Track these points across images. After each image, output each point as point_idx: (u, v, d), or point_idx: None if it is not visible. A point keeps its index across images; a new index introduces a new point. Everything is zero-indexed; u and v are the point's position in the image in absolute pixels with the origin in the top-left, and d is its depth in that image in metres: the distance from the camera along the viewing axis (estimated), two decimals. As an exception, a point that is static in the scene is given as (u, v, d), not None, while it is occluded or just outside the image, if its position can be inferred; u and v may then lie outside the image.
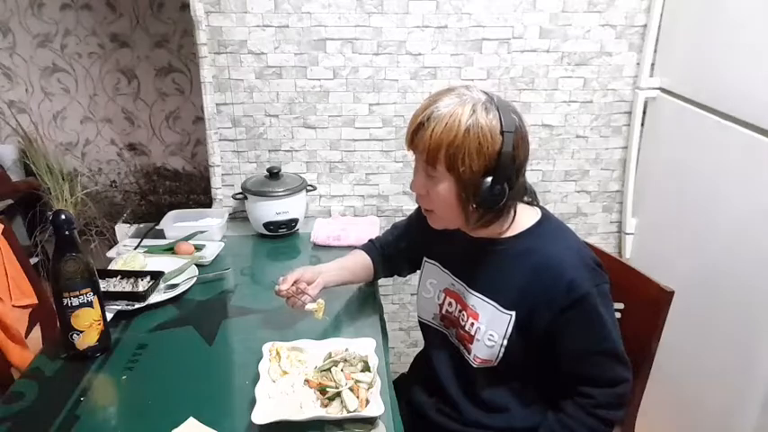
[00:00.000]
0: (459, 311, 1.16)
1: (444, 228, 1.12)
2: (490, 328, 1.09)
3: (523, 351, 1.08)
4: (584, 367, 1.05)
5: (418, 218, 1.33)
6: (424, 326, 1.28)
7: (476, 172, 0.99)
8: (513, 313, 1.07)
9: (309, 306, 1.21)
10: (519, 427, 1.13)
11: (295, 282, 1.21)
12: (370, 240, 1.44)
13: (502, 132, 0.98)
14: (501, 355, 1.09)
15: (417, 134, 1.01)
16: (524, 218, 1.10)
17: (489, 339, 1.09)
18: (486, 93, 1.02)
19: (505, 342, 1.08)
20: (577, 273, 1.02)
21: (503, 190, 1.00)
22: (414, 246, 1.31)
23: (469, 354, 1.13)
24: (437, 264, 1.23)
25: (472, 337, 1.12)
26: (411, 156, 1.07)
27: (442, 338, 1.22)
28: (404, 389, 1.30)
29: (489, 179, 0.99)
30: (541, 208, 1.15)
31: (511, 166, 0.99)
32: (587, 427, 1.05)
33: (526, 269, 1.06)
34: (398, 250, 1.37)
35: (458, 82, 1.83)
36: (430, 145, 0.99)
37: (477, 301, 1.12)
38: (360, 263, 1.38)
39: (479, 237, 1.12)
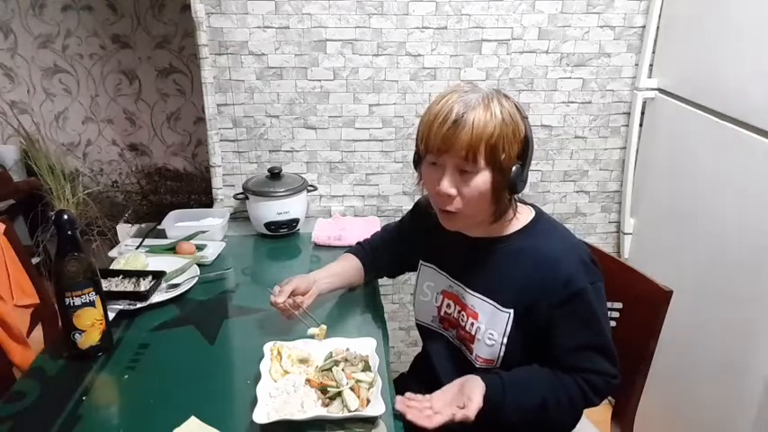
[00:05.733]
0: (459, 312, 1.17)
1: (461, 229, 1.11)
2: (490, 327, 1.10)
3: (523, 350, 1.09)
4: (577, 361, 1.06)
5: (412, 221, 1.33)
6: (422, 328, 1.29)
7: (512, 159, 1.01)
8: (512, 311, 1.08)
9: (312, 330, 1.20)
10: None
11: (291, 293, 1.21)
12: (359, 243, 1.45)
13: (522, 118, 1.02)
14: (502, 354, 1.10)
15: (453, 134, 0.98)
16: (520, 216, 1.12)
17: (489, 338, 1.10)
18: (485, 88, 1.04)
19: (505, 340, 1.09)
20: (573, 268, 1.04)
21: (527, 174, 1.05)
22: (408, 249, 1.31)
23: (471, 354, 1.14)
24: (434, 266, 1.23)
25: (473, 336, 1.13)
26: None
27: (443, 340, 1.23)
28: (405, 388, 1.30)
29: (519, 164, 1.02)
30: (534, 206, 1.16)
31: (532, 148, 1.04)
32: (575, 390, 1.05)
33: (524, 266, 1.07)
34: (390, 253, 1.38)
35: (453, 83, 1.84)
36: (472, 140, 0.98)
37: (476, 301, 1.13)
38: (351, 267, 1.38)
39: (477, 237, 1.12)
